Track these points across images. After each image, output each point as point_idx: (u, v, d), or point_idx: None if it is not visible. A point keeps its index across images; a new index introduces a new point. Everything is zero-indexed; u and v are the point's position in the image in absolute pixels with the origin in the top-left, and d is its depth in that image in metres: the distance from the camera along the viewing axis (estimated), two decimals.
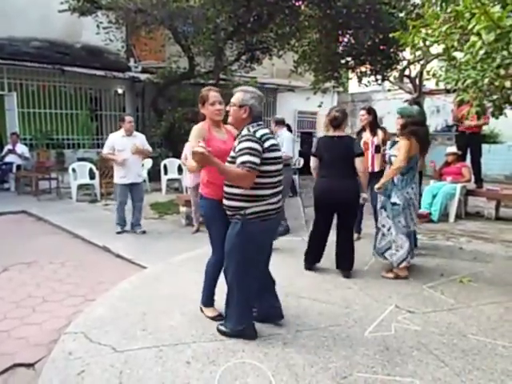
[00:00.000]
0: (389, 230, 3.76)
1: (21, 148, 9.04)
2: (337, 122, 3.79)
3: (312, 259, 3.96)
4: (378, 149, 4.68)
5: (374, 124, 4.79)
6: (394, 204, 3.70)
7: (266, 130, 2.54)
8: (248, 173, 2.38)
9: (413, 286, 3.59)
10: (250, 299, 2.68)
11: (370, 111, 4.80)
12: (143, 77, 11.01)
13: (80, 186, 8.31)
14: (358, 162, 3.72)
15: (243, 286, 2.61)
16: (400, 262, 3.71)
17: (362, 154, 3.78)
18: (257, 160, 2.40)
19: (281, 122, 5.69)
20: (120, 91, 11.70)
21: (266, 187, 2.51)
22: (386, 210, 3.78)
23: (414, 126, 3.71)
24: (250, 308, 2.71)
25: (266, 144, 2.46)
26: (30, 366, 2.60)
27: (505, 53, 2.48)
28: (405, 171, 3.69)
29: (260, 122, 2.59)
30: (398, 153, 3.65)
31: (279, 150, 2.62)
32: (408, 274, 3.75)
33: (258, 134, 2.46)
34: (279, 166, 2.59)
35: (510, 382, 2.25)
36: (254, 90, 2.65)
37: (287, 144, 5.37)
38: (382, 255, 3.89)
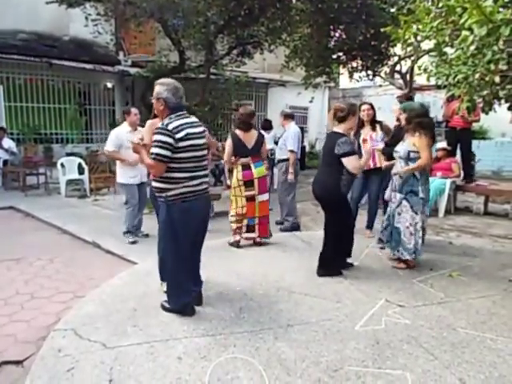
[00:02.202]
0: (415, 226, 3.76)
1: (8, 143, 8.87)
2: (341, 114, 3.59)
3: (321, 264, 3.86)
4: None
5: (374, 119, 4.79)
6: (422, 199, 3.76)
7: (182, 121, 2.71)
8: (154, 163, 2.67)
9: (403, 280, 3.62)
10: (181, 278, 2.85)
11: (373, 107, 4.80)
12: (133, 71, 10.88)
13: (69, 182, 8.20)
14: (345, 162, 3.45)
15: (172, 265, 2.85)
16: (419, 250, 3.80)
17: (347, 154, 3.42)
18: (164, 152, 2.64)
19: (289, 116, 5.63)
20: (109, 85, 11.55)
21: (183, 171, 2.73)
22: (413, 207, 3.75)
23: (418, 118, 3.77)
24: (184, 287, 2.86)
25: (180, 135, 2.65)
26: (18, 363, 2.57)
27: (495, 48, 2.49)
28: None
29: (180, 113, 2.76)
30: (422, 150, 3.69)
31: (200, 138, 2.79)
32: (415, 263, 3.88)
33: (171, 127, 2.65)
34: (198, 153, 2.78)
35: (498, 373, 2.29)
36: (170, 83, 2.81)
37: (293, 140, 5.32)
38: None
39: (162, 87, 2.76)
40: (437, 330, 2.74)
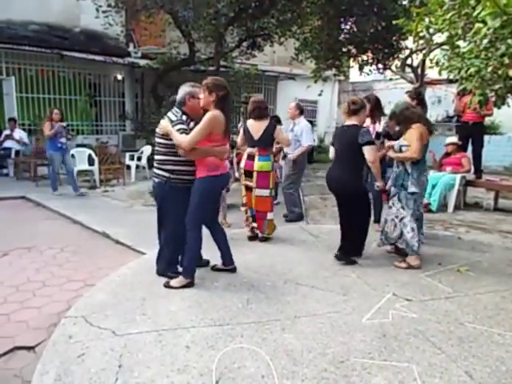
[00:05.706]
0: (401, 220, 3.73)
1: (19, 133, 8.98)
2: (355, 106, 3.70)
3: (341, 248, 3.87)
4: (378, 136, 4.66)
5: (375, 112, 4.75)
6: (412, 193, 3.69)
7: None
8: None
9: (411, 274, 3.61)
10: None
11: (369, 99, 4.77)
12: (143, 62, 10.90)
13: (79, 172, 8.27)
14: (365, 151, 3.58)
15: None
16: (414, 245, 3.70)
17: (369, 143, 3.59)
18: None
19: (302, 111, 5.66)
20: (119, 77, 11.59)
21: None
22: (401, 201, 3.75)
23: (401, 114, 3.78)
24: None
25: None
26: (30, 348, 2.62)
27: (509, 41, 2.45)
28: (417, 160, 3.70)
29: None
30: (411, 143, 3.64)
31: None
32: (420, 263, 3.74)
33: None
34: None
35: (504, 367, 2.28)
36: None
37: (306, 134, 5.36)
38: (393, 245, 3.91)
39: None
40: (444, 325, 2.74)
